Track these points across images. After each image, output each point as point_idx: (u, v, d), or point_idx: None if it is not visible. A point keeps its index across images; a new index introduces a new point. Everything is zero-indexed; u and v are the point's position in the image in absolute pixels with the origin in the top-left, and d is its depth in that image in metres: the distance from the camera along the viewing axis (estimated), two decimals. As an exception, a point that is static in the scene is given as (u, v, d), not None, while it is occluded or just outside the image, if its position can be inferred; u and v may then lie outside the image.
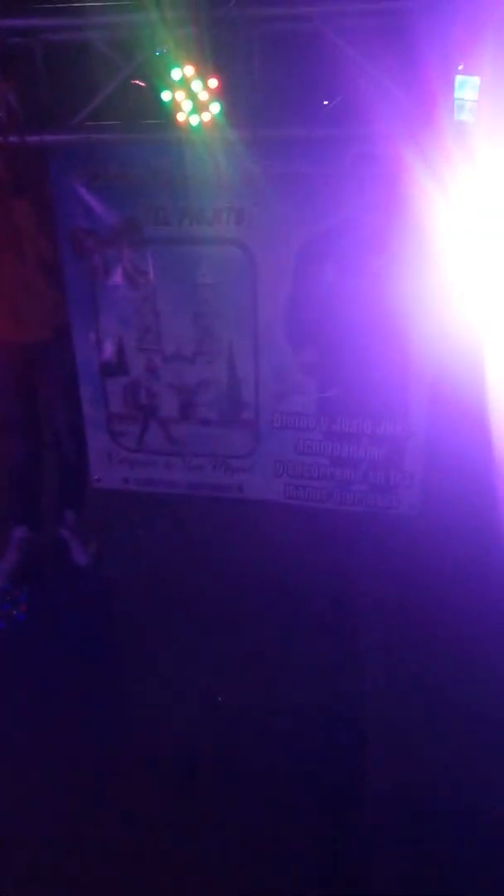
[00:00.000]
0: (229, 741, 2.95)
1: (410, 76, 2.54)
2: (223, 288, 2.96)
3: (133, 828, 2.62)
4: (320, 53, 2.60)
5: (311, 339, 2.98)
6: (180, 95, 2.55)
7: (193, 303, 3.00)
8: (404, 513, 3.16)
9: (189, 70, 2.50)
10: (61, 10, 2.61)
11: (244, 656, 3.34)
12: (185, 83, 2.52)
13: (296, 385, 3.07)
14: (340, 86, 2.70)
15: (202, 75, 2.51)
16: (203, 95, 2.55)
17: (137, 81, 2.75)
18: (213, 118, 2.59)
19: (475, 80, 2.58)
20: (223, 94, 2.56)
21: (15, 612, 3.49)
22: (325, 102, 2.95)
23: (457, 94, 2.47)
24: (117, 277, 3.02)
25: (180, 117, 2.60)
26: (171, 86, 2.54)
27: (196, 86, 2.52)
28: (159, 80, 2.55)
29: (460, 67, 2.55)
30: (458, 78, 2.48)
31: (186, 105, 2.56)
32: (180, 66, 2.49)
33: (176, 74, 2.50)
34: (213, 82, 2.52)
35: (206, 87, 2.53)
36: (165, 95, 2.56)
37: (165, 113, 2.64)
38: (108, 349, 3.15)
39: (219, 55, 2.50)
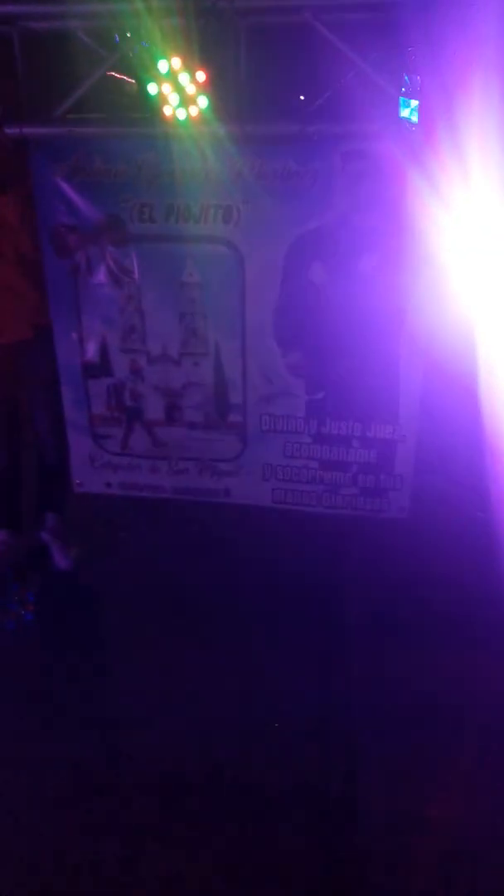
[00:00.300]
0: (218, 751, 2.89)
1: (402, 72, 2.48)
2: (210, 287, 2.89)
3: (118, 844, 2.54)
4: (310, 48, 2.54)
5: (300, 340, 2.91)
6: (167, 88, 2.47)
7: (179, 302, 2.92)
8: (393, 516, 3.11)
9: (176, 62, 2.42)
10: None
11: (231, 663, 3.27)
12: (172, 76, 2.44)
13: (284, 387, 3.00)
14: (330, 81, 2.64)
15: (189, 68, 2.43)
16: (190, 89, 2.47)
17: (122, 74, 2.67)
18: (201, 112, 2.52)
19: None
20: (211, 88, 2.48)
21: (23, 612, 3.39)
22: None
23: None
24: (101, 276, 2.93)
25: (167, 111, 2.53)
26: (157, 78, 2.46)
27: (183, 79, 2.44)
28: (145, 72, 2.46)
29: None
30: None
31: (173, 98, 2.48)
32: (167, 57, 2.41)
33: (163, 67, 2.42)
34: (201, 75, 2.45)
35: (193, 80, 2.45)
36: (151, 88, 2.48)
37: (151, 106, 2.56)
38: (91, 350, 3.06)
39: (206, 48, 2.42)
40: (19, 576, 3.80)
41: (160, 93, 2.48)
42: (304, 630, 3.48)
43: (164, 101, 2.49)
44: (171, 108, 2.51)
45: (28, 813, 2.64)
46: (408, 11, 2.36)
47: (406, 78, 2.27)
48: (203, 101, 2.49)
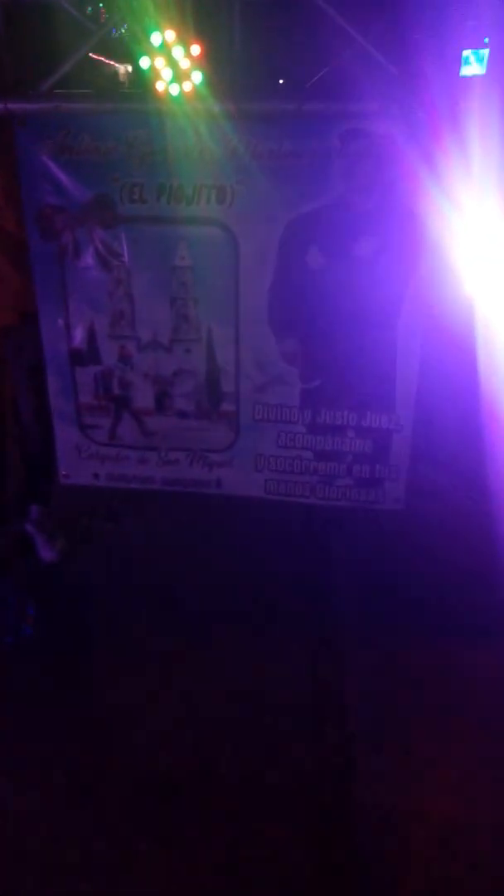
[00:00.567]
0: (210, 746, 2.82)
1: (402, 48, 2.41)
2: (203, 271, 2.80)
3: (112, 845, 2.46)
4: (308, 22, 2.45)
5: (295, 326, 2.84)
6: (160, 63, 2.37)
7: (171, 287, 2.83)
8: (389, 507, 3.05)
9: (170, 35, 2.32)
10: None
11: (222, 656, 3.20)
12: (165, 49, 2.34)
13: (278, 375, 2.93)
14: (328, 57, 2.55)
15: (184, 41, 2.34)
16: (184, 63, 2.37)
17: (110, 49, 2.57)
18: (195, 88, 2.42)
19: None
20: (206, 62, 2.39)
21: (23, 625, 3.27)
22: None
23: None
24: (88, 259, 2.82)
25: (159, 86, 2.43)
26: (149, 52, 2.36)
27: (177, 52, 2.35)
28: (136, 45, 2.36)
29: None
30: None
31: (166, 73, 2.39)
32: (160, 30, 2.31)
33: (155, 39, 2.32)
34: (196, 49, 2.36)
35: (187, 53, 2.36)
36: (144, 62, 2.38)
37: (142, 81, 2.46)
38: (78, 336, 2.95)
39: (201, 20, 2.33)
40: (3, 568, 3.69)
41: (152, 67, 2.38)
42: (296, 623, 3.42)
43: (157, 75, 2.40)
44: (164, 84, 2.41)
45: (19, 817, 2.55)
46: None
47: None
48: (197, 77, 2.39)
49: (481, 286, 2.63)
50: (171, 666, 3.16)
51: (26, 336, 3.33)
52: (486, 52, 2.26)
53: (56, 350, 2.99)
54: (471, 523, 3.58)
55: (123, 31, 2.52)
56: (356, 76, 2.47)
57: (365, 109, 2.47)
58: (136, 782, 2.66)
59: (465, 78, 2.29)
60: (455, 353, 2.88)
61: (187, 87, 2.41)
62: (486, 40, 2.23)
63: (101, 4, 2.38)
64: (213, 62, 2.40)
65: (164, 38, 2.32)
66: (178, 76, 2.39)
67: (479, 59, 2.24)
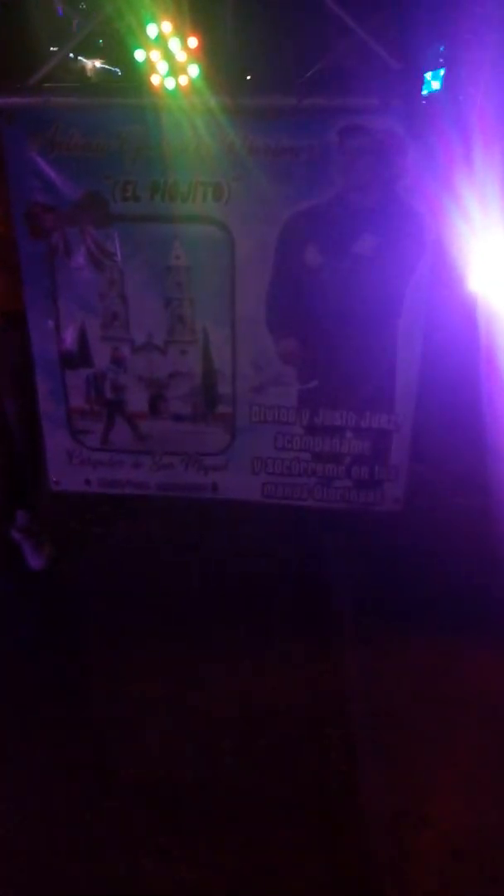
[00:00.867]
0: (212, 754, 2.76)
1: (403, 40, 2.37)
2: (198, 271, 2.73)
3: (117, 859, 2.39)
4: (306, 13, 2.40)
5: (293, 326, 2.78)
6: (155, 55, 2.29)
7: (165, 287, 2.75)
8: (388, 508, 3.02)
9: (166, 27, 2.24)
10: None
11: (218, 663, 3.15)
12: (161, 41, 2.26)
13: (275, 376, 2.87)
14: (327, 51, 2.50)
15: (180, 33, 2.26)
16: (181, 56, 2.30)
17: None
18: (191, 82, 2.35)
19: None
20: (203, 56, 2.32)
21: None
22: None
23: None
24: (79, 258, 2.73)
25: (154, 80, 2.35)
26: (145, 44, 2.28)
27: (174, 45, 2.27)
28: (131, 37, 2.28)
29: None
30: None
31: (162, 66, 2.31)
32: (156, 21, 2.23)
33: (151, 31, 2.25)
34: (193, 41, 2.28)
35: (184, 46, 2.28)
36: (139, 55, 2.30)
37: (137, 75, 2.38)
38: (69, 338, 2.86)
39: (198, 11, 2.26)
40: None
41: (148, 60, 2.30)
42: (297, 625, 3.39)
43: (152, 68, 2.32)
44: (160, 77, 2.33)
45: (19, 833, 2.47)
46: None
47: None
48: (194, 70, 2.32)
49: (483, 286, 2.60)
50: (168, 673, 3.10)
51: (10, 338, 3.23)
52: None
53: (45, 353, 2.90)
54: (470, 524, 3.58)
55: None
56: (355, 70, 2.42)
57: (365, 104, 2.42)
58: (137, 795, 2.60)
59: (470, 73, 2.25)
60: (456, 353, 2.86)
61: (183, 80, 2.34)
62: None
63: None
64: (211, 55, 2.32)
65: (160, 30, 2.24)
66: (175, 69, 2.31)
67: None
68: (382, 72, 2.36)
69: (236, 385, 2.89)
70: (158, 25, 2.24)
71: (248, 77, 2.36)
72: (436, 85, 2.28)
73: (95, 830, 2.48)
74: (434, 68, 2.22)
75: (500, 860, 2.39)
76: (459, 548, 3.56)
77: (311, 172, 2.54)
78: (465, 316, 2.75)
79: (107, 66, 13.25)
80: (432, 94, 2.30)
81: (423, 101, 2.33)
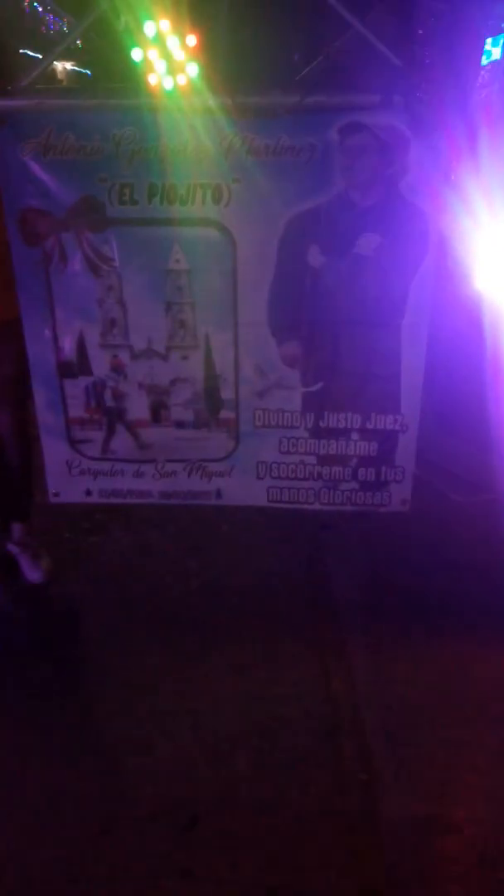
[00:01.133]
0: (225, 768, 2.71)
1: (405, 36, 2.34)
2: (199, 274, 2.67)
3: (135, 882, 2.33)
4: (304, 9, 2.35)
5: (296, 328, 2.74)
6: (153, 54, 2.23)
7: (165, 292, 2.69)
8: (395, 509, 2.98)
9: (164, 25, 2.19)
10: None
11: (227, 672, 3.10)
12: (159, 40, 2.20)
13: (279, 380, 2.82)
14: (325, 46, 2.45)
15: (179, 31, 2.21)
16: (179, 55, 2.24)
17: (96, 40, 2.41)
18: (190, 81, 2.29)
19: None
20: (202, 54, 2.27)
21: None
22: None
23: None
24: (76, 264, 2.66)
25: (152, 80, 2.29)
26: (142, 43, 2.22)
27: (172, 43, 2.21)
28: (128, 36, 2.22)
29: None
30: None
31: (160, 66, 2.25)
32: (154, 19, 2.18)
33: (149, 30, 2.18)
34: (192, 40, 2.23)
35: (183, 45, 2.23)
36: (136, 54, 2.24)
37: (133, 75, 2.32)
38: (67, 347, 2.79)
39: (197, 9, 2.20)
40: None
41: (145, 59, 2.24)
42: (304, 631, 3.35)
43: (150, 68, 2.26)
44: (158, 77, 2.27)
45: (33, 863, 2.39)
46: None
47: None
48: (193, 69, 2.26)
49: (488, 284, 2.58)
50: (177, 685, 3.05)
51: (3, 348, 3.16)
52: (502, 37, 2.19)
53: (43, 361, 2.82)
54: (473, 524, 3.57)
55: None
56: (355, 66, 2.38)
57: (366, 101, 2.39)
58: (152, 815, 2.54)
59: (475, 69, 2.22)
60: (461, 352, 2.84)
61: (182, 80, 2.28)
62: None
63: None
64: (210, 54, 2.27)
65: (158, 28, 2.18)
66: (173, 69, 2.25)
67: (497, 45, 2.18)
68: (383, 68, 2.33)
69: (239, 390, 2.84)
70: (157, 23, 2.18)
71: (247, 75, 2.30)
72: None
73: (112, 855, 2.41)
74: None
75: (529, 864, 2.37)
76: (465, 548, 3.54)
77: (311, 172, 2.49)
78: (470, 315, 2.73)
79: (77, 69, 13.14)
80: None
81: (425, 97, 2.29)
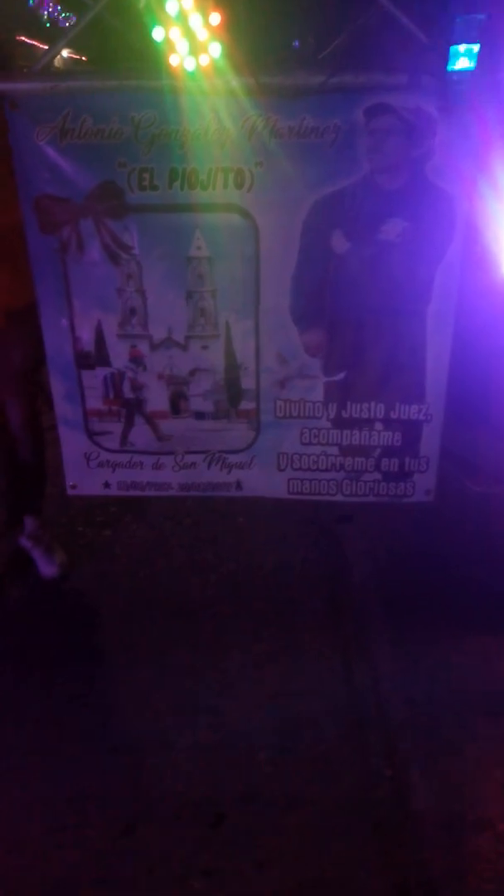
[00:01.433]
0: (248, 765, 2.67)
1: (432, 12, 2.26)
2: (220, 261, 2.60)
3: (163, 884, 2.28)
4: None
5: (319, 316, 2.67)
6: (175, 34, 2.16)
7: (186, 280, 2.63)
8: (419, 500, 2.93)
9: (187, 2, 2.11)
10: None
11: (246, 667, 3.06)
12: (182, 18, 2.13)
13: (300, 369, 2.76)
14: (350, 23, 2.38)
15: (202, 9, 2.13)
16: (202, 34, 2.17)
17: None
18: (213, 62, 2.22)
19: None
20: (225, 33, 2.20)
21: None
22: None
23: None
24: (94, 253, 2.60)
25: (173, 60, 2.22)
26: (164, 22, 2.14)
27: (194, 22, 2.14)
28: (149, 14, 2.15)
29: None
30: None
31: (182, 46, 2.18)
32: (176, -3, 2.11)
33: (171, 7, 2.11)
34: (216, 17, 2.15)
35: (206, 23, 2.15)
36: (157, 33, 2.16)
37: (153, 55, 2.25)
38: (85, 337, 2.73)
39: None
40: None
41: (167, 39, 2.17)
42: (323, 624, 3.30)
43: (172, 48, 2.18)
44: (179, 57, 2.20)
45: (59, 869, 2.35)
46: None
47: (458, 19, 2.03)
48: (216, 49, 2.19)
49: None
50: (196, 681, 3.01)
51: (14, 337, 3.10)
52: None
53: (60, 353, 2.76)
54: (496, 515, 3.52)
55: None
56: (381, 45, 2.31)
57: (393, 82, 2.31)
58: (177, 814, 2.50)
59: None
60: (483, 340, 2.77)
61: (204, 60, 2.21)
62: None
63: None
64: (234, 33, 2.20)
65: (180, 6, 2.11)
66: (195, 48, 2.18)
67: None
68: (411, 47, 2.25)
69: (260, 380, 2.78)
70: (179, 1, 2.11)
71: (270, 54, 2.23)
72: (464, 63, 2.17)
73: (137, 856, 2.37)
74: (466, 41, 2.11)
75: None
76: (486, 538, 3.49)
77: (336, 154, 2.42)
78: (498, 301, 2.66)
79: (74, 56, 12.99)
80: (462, 72, 2.18)
81: (454, 78, 2.21)
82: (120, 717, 2.86)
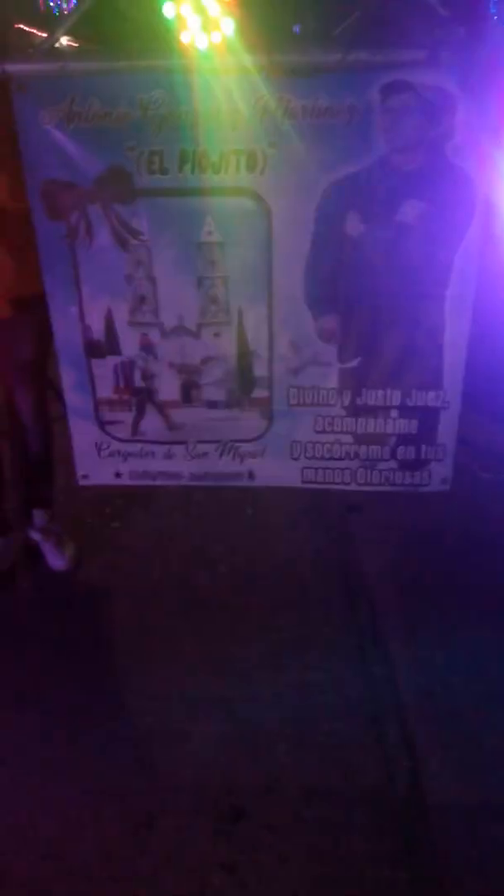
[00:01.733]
0: (264, 757, 2.65)
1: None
2: (233, 247, 2.53)
3: (183, 879, 2.26)
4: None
5: (334, 301, 2.60)
6: (186, 10, 2.08)
7: (198, 266, 2.56)
8: (436, 489, 2.88)
9: (199, -23, 2.04)
10: None
11: (261, 658, 3.03)
12: (194, -7, 2.05)
13: (314, 356, 2.70)
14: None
15: (214, -16, 2.06)
16: (214, 10, 2.09)
17: None
18: (225, 39, 2.14)
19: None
20: (238, 9, 2.12)
21: None
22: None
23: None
24: (103, 238, 2.53)
25: (184, 38, 2.14)
26: (175, -3, 2.07)
27: (206, -3, 2.07)
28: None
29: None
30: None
31: (194, 22, 2.10)
32: (188, -29, 2.03)
33: (182, -18, 2.04)
34: (228, -8, 2.07)
35: (218, -1, 2.07)
36: (168, 10, 2.09)
37: (162, 34, 2.17)
38: (95, 325, 2.67)
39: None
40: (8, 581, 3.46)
41: (178, 15, 2.09)
42: (338, 614, 3.27)
43: (183, 25, 2.11)
44: (191, 35, 2.12)
45: (74, 858, 2.33)
46: None
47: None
48: (229, 26, 2.11)
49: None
50: (209, 672, 2.98)
51: (22, 327, 3.05)
52: None
53: (69, 342, 2.70)
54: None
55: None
56: (397, 21, 2.23)
57: (411, 59, 2.23)
58: (194, 808, 2.48)
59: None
60: (499, 325, 2.72)
61: (216, 37, 2.13)
62: None
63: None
64: (247, 9, 2.12)
65: (192, -19, 2.03)
66: (207, 25, 2.10)
67: None
68: (430, 22, 2.18)
69: (273, 367, 2.72)
70: (190, -24, 2.04)
71: (283, 30, 2.15)
72: None
73: (155, 850, 2.35)
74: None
75: None
76: (499, 526, 3.46)
77: (351, 134, 2.34)
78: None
79: (72, 43, 12.79)
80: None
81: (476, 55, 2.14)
82: (131, 709, 2.85)
